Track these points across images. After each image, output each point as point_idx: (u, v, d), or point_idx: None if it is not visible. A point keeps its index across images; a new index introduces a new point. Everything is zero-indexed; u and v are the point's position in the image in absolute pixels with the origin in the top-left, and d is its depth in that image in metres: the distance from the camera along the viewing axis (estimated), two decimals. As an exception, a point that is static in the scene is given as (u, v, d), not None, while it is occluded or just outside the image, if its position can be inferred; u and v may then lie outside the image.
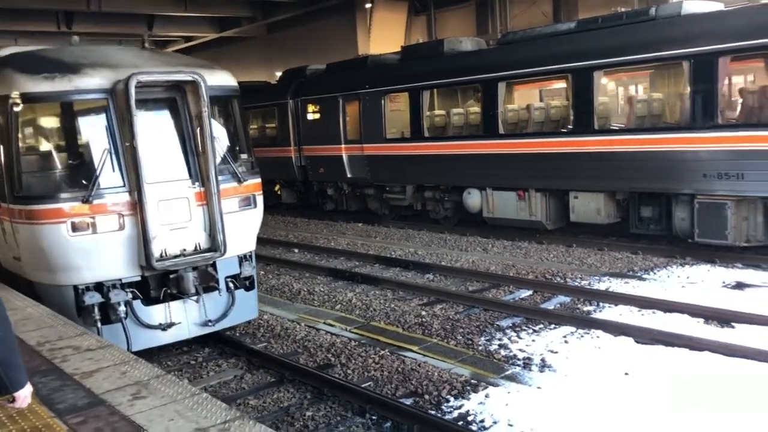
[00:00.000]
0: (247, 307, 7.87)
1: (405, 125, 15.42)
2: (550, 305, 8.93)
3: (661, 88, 13.06)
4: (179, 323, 7.22)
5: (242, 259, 7.75)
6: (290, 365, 6.97)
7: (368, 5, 25.44)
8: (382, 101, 15.71)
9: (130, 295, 6.92)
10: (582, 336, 7.52)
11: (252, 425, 3.64)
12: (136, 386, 4.29)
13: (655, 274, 10.18)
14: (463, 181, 14.24)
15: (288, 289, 10.59)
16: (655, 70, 12.89)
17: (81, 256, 6.67)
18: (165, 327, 7.11)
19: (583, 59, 11.69)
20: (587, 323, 7.87)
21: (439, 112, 15.41)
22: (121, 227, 6.74)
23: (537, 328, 7.92)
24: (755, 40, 9.66)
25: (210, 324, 7.43)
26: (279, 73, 22.42)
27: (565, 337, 7.54)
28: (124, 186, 6.78)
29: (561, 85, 13.76)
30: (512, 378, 6.44)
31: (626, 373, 6.38)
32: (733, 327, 7.53)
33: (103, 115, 6.83)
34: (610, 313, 8.34)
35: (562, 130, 12.89)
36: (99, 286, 6.82)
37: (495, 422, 5.53)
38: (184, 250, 7.09)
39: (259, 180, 7.97)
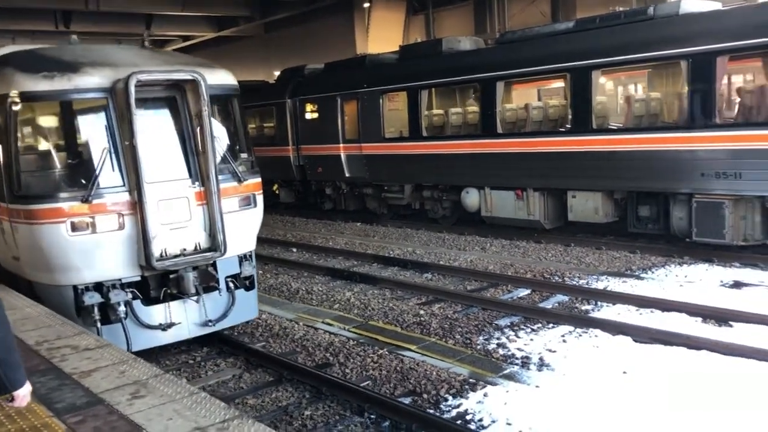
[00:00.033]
0: (247, 306, 7.86)
1: (403, 125, 15.40)
2: (548, 304, 8.94)
3: (659, 87, 13.07)
4: (179, 323, 7.20)
5: (242, 258, 7.73)
6: (289, 364, 6.97)
7: (366, 4, 25.42)
8: (381, 101, 15.70)
9: (129, 295, 6.90)
10: (580, 335, 7.53)
11: (251, 424, 3.65)
12: (134, 385, 4.29)
13: (653, 273, 10.20)
14: (461, 181, 14.24)
15: (286, 288, 10.59)
16: (653, 70, 12.91)
17: (80, 256, 6.65)
18: (165, 327, 7.09)
19: (581, 59, 11.70)
20: (585, 322, 7.88)
21: (437, 111, 15.40)
22: (121, 227, 6.71)
23: (535, 327, 7.94)
24: (753, 39, 9.68)
25: (210, 324, 7.41)
26: (277, 73, 22.38)
27: (563, 336, 7.55)
28: (124, 185, 6.75)
29: (559, 84, 13.78)
30: (511, 377, 6.45)
31: (624, 372, 6.40)
32: (730, 326, 7.56)
33: (103, 114, 6.81)
34: (608, 312, 8.35)
35: (560, 129, 12.92)
36: (99, 286, 6.80)
37: (493, 421, 5.54)
38: (184, 249, 7.07)
39: (259, 179, 7.95)
